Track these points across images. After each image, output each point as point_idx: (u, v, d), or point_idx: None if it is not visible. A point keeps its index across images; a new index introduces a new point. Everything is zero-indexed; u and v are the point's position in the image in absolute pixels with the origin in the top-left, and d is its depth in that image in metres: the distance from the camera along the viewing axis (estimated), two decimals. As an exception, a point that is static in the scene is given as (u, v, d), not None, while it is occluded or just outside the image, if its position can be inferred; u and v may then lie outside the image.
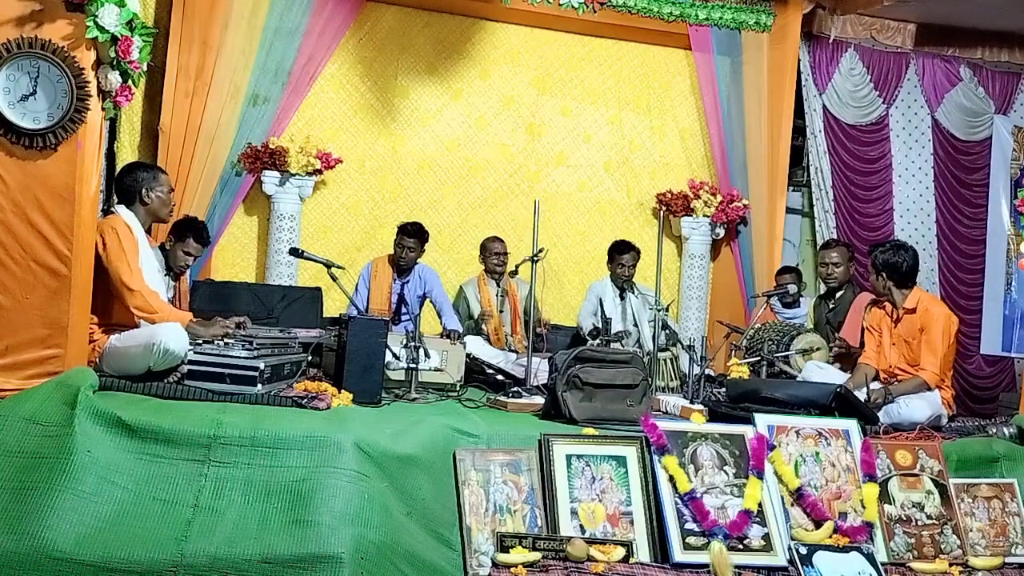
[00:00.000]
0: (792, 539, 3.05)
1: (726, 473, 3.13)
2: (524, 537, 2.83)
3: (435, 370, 4.07)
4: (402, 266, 5.43)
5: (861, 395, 3.92)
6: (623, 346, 4.96)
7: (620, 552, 2.85)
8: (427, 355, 3.91)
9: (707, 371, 4.28)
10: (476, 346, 4.89)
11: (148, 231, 3.74)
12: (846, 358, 4.74)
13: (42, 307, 3.04)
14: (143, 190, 3.64)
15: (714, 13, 6.42)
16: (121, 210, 3.61)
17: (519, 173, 6.63)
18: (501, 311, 5.69)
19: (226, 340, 3.48)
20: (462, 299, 5.75)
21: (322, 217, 6.24)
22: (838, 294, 5.21)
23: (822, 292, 5.45)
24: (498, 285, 5.73)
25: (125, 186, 3.67)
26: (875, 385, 4.18)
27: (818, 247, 6.27)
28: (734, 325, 5.45)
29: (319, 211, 6.21)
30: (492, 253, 5.71)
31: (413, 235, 5.39)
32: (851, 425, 3.39)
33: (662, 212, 6.15)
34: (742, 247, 6.72)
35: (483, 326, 5.49)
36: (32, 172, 3.04)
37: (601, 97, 6.74)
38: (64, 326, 3.07)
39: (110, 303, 3.45)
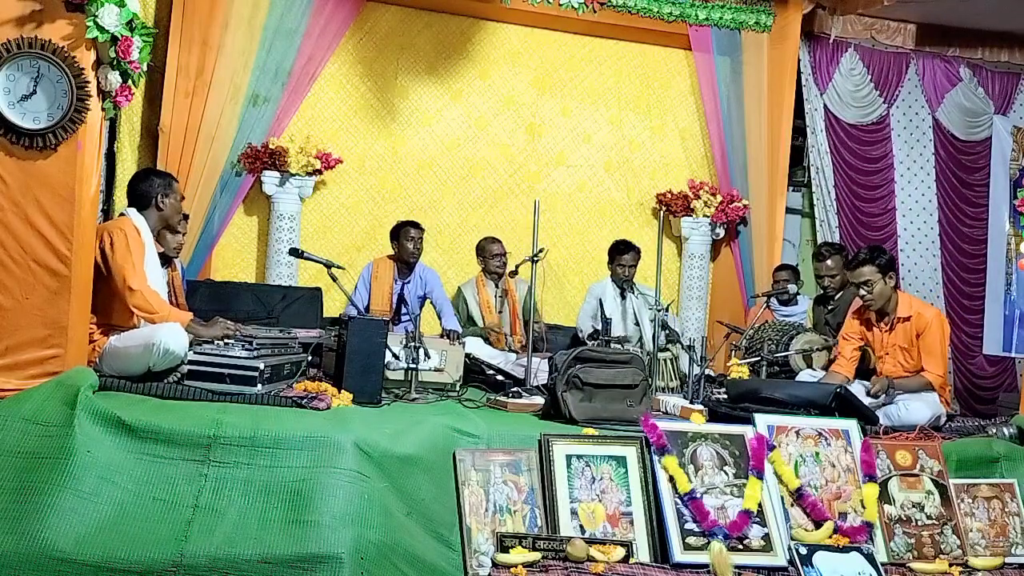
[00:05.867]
0: (792, 539, 3.04)
1: (726, 473, 3.13)
2: (524, 537, 2.83)
3: (435, 370, 4.07)
4: (411, 262, 5.36)
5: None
6: (623, 347, 4.96)
7: (620, 552, 2.84)
8: (427, 355, 3.91)
9: (707, 371, 4.28)
10: (476, 346, 4.88)
11: (156, 236, 3.76)
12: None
13: (42, 307, 3.04)
14: (159, 196, 3.67)
15: (714, 13, 6.43)
16: (132, 213, 3.63)
17: (519, 173, 6.63)
18: (500, 311, 5.64)
19: (226, 340, 3.48)
20: (461, 301, 5.71)
21: (322, 217, 6.24)
22: (837, 295, 5.21)
23: (820, 293, 5.45)
24: (496, 286, 5.70)
25: (140, 191, 3.68)
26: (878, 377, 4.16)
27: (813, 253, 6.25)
28: (734, 325, 5.45)
29: (319, 211, 6.22)
30: (492, 255, 5.63)
31: (419, 226, 5.36)
32: (851, 425, 3.38)
33: (662, 212, 6.16)
34: (742, 247, 6.72)
35: (490, 337, 5.46)
36: (32, 172, 3.04)
37: (601, 97, 6.74)
38: (64, 326, 3.07)
39: (110, 303, 3.45)
